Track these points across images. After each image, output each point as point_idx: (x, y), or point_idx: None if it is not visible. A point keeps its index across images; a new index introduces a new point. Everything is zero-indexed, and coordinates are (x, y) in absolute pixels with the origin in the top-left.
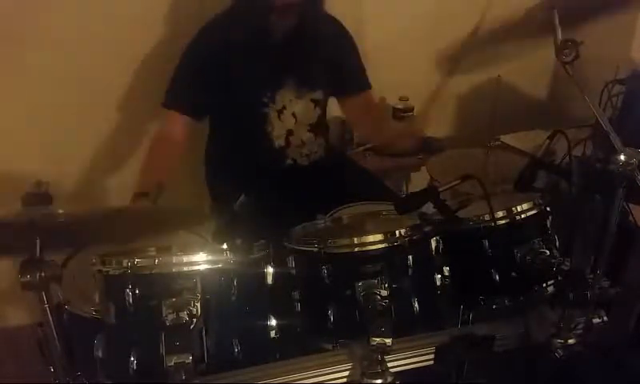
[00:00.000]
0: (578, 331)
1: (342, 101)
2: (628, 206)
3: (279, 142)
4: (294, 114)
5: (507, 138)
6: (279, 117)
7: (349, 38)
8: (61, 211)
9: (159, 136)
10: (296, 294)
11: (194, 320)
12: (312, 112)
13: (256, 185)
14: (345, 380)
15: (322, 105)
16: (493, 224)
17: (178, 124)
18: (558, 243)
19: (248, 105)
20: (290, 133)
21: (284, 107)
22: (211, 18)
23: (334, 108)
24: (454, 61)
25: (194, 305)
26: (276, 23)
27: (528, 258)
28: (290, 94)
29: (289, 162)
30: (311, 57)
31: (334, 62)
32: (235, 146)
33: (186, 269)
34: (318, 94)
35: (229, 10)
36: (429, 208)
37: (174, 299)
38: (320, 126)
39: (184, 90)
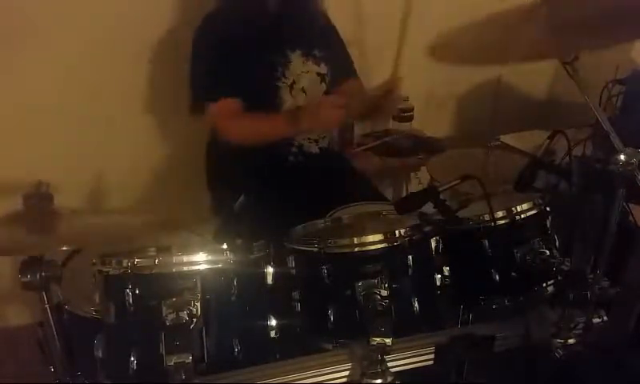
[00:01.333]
0: (578, 331)
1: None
2: (628, 206)
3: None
4: (303, 89)
5: (507, 138)
6: (290, 92)
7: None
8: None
9: (227, 114)
10: (296, 294)
11: (194, 320)
12: (318, 87)
13: (260, 180)
14: (345, 380)
15: (327, 81)
16: (493, 224)
17: (230, 107)
18: (557, 243)
19: (262, 81)
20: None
21: (294, 82)
22: (213, 6)
23: None
24: (454, 60)
25: (194, 305)
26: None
27: (528, 257)
28: (298, 67)
29: (294, 149)
30: (312, 29)
31: (330, 40)
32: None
33: (185, 269)
34: (323, 68)
35: None
36: (429, 208)
37: (174, 299)
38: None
39: (220, 76)
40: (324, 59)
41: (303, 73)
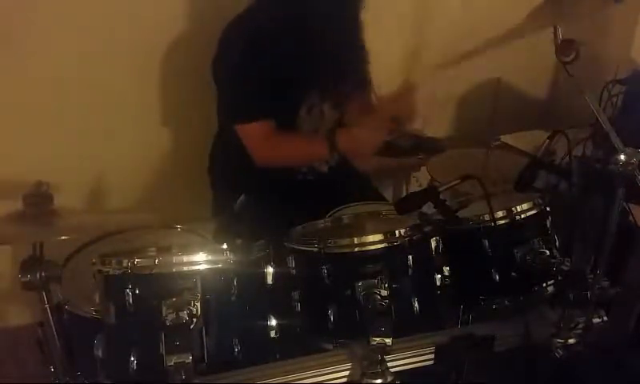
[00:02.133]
0: (578, 331)
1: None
2: (628, 206)
3: None
4: (322, 111)
5: (507, 138)
6: (309, 112)
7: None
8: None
9: (261, 137)
10: (296, 294)
11: (194, 320)
12: (336, 109)
13: (262, 181)
14: (345, 380)
15: (343, 100)
16: (493, 224)
17: (261, 130)
18: (557, 243)
19: (285, 102)
20: (315, 132)
21: (313, 105)
22: (242, 18)
23: None
24: (454, 61)
25: (194, 305)
26: (306, 12)
27: (528, 257)
28: (317, 89)
29: (304, 169)
30: (337, 46)
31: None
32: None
33: (185, 269)
34: (342, 87)
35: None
36: (429, 208)
37: (174, 299)
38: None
39: (253, 96)
40: (344, 75)
41: (323, 92)
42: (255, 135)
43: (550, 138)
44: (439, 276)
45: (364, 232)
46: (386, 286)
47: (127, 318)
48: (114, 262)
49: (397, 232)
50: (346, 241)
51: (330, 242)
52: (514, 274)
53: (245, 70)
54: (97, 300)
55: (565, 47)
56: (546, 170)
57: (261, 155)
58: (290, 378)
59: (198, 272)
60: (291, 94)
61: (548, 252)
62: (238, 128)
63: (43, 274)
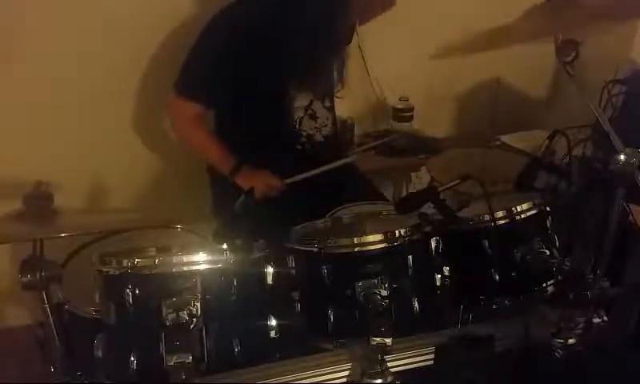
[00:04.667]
0: (578, 331)
1: None
2: (628, 206)
3: (299, 114)
4: (314, 112)
5: (507, 138)
6: (311, 118)
7: None
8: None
9: (185, 120)
10: (296, 294)
11: (194, 320)
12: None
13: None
14: (345, 380)
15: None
16: (493, 224)
17: (190, 111)
18: (558, 243)
19: (277, 81)
20: (311, 102)
21: (310, 103)
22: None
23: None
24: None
25: (194, 305)
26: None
27: (528, 257)
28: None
29: (303, 139)
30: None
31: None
32: (251, 133)
33: (186, 269)
34: (327, 103)
35: None
36: (429, 208)
37: (174, 299)
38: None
39: (202, 77)
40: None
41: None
42: (182, 111)
43: (550, 138)
44: (439, 276)
45: (364, 232)
46: (386, 286)
47: (127, 317)
48: (114, 261)
49: (397, 232)
50: (346, 241)
51: (330, 242)
52: (513, 274)
53: (212, 41)
54: (97, 300)
55: (565, 47)
56: (545, 170)
57: (177, 131)
58: (290, 377)
59: (198, 272)
60: (277, 71)
61: (548, 252)
62: (172, 96)
63: (43, 274)
